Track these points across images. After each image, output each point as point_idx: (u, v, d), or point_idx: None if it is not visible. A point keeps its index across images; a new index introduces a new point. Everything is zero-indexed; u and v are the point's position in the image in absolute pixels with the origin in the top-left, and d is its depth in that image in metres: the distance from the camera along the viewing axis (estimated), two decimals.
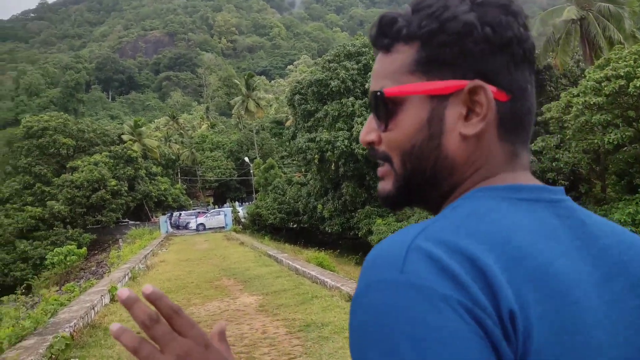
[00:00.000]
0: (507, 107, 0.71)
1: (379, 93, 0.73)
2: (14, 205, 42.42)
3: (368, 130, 0.77)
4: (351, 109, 28.74)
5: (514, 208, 0.65)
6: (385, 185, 0.77)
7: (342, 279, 11.85)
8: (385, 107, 0.73)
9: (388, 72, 0.74)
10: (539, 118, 20.59)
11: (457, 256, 0.58)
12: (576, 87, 19.04)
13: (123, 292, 0.62)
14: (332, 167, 29.61)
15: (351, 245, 30.57)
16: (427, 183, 0.74)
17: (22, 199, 43.29)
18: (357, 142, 26.68)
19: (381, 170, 0.78)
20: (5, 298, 20.86)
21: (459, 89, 0.69)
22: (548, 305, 0.59)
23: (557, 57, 24.16)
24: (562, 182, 21.07)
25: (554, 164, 20.72)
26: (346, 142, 27.78)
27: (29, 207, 42.20)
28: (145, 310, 0.62)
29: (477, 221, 0.62)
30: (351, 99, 29.11)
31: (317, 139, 29.17)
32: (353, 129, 27.76)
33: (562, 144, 20.46)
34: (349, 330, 0.60)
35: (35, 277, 32.60)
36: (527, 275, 0.59)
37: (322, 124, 30.20)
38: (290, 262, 15.54)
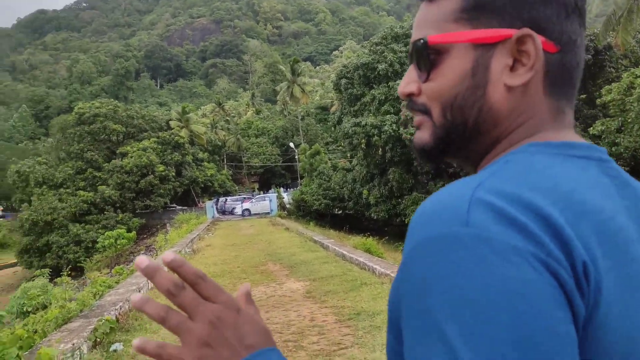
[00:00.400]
0: (555, 59, 0.67)
1: (421, 41, 0.70)
2: (67, 190, 43.61)
3: (408, 81, 0.73)
4: None
5: (569, 164, 0.63)
6: (422, 135, 0.73)
7: (391, 265, 11.43)
8: (428, 57, 0.70)
9: (432, 20, 0.70)
10: (598, 100, 19.59)
11: (522, 209, 0.55)
12: (638, 67, 17.97)
13: (142, 260, 0.58)
14: (379, 152, 28.97)
15: (397, 232, 29.95)
16: (469, 135, 0.70)
17: (75, 184, 44.45)
18: (405, 127, 26.00)
19: (418, 119, 0.73)
20: (58, 280, 21.29)
21: (506, 37, 0.66)
22: (613, 261, 0.58)
23: (618, 37, 22.80)
24: (622, 167, 20.03)
25: (613, 149, 19.71)
26: (394, 126, 27.07)
27: (82, 192, 43.33)
28: (169, 277, 0.59)
29: (535, 175, 0.60)
30: (398, 82, 28.32)
31: (364, 123, 28.55)
32: (400, 113, 27.00)
33: (622, 128, 19.42)
34: (401, 288, 0.57)
35: (88, 259, 33.44)
36: (592, 229, 0.57)
37: (368, 108, 29.60)
38: (336, 248, 15.20)
